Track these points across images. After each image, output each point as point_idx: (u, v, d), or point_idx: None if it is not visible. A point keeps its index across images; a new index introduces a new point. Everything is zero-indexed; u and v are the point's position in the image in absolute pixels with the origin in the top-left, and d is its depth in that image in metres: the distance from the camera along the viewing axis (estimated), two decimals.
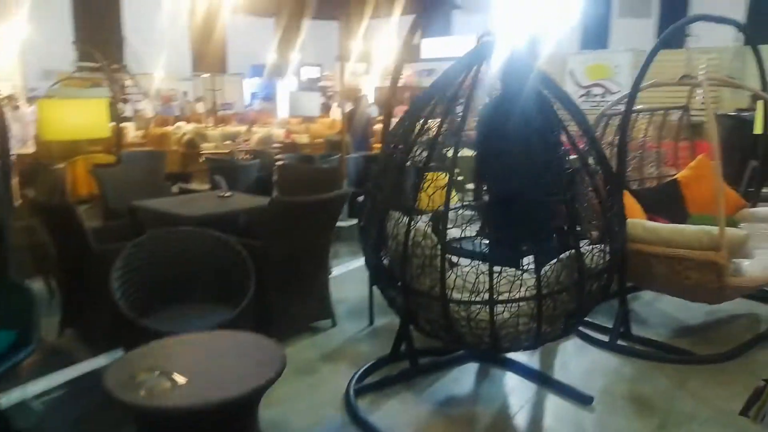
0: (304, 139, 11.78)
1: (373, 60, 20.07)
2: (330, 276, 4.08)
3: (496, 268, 2.41)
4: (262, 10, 7.93)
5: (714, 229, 3.19)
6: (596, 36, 18.82)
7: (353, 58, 18.68)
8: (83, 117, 3.86)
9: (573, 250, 2.20)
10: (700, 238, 3.19)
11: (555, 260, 2.25)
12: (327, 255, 3.75)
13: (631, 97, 3.32)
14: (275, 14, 8.74)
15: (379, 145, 11.98)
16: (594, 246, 2.29)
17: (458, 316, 2.28)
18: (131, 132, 12.03)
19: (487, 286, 2.22)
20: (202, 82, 19.05)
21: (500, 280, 2.61)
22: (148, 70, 20.24)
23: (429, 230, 2.43)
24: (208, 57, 21.39)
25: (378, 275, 2.76)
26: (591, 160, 2.52)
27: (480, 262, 3.43)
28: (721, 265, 3.10)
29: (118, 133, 6.18)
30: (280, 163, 5.67)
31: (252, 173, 5.46)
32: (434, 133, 2.56)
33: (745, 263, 3.33)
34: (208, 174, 5.48)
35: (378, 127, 13.52)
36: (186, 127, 13.01)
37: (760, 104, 4.36)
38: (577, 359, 3.38)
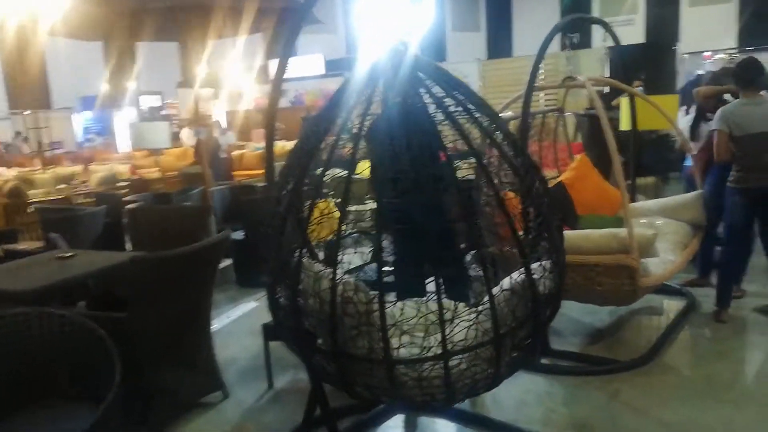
0: (154, 174, 10.67)
1: (221, 84, 19.11)
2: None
3: (430, 305, 2.03)
4: (88, 34, 6.92)
5: (621, 232, 3.11)
6: (435, 49, 19.68)
7: (198, 83, 17.58)
8: None
9: (524, 276, 1.88)
10: (610, 243, 3.09)
11: (506, 289, 1.92)
12: (209, 315, 3.12)
13: (527, 102, 3.16)
14: (104, 37, 7.71)
15: (242, 174, 11.26)
16: (544, 266, 1.99)
17: (407, 377, 1.86)
18: None
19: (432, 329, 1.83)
20: (23, 120, 16.80)
21: (427, 319, 2.25)
22: None
23: (361, 282, 1.98)
24: (26, 91, 18.92)
25: (296, 340, 2.25)
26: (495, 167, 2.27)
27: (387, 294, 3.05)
28: (633, 268, 3.01)
29: None
30: (131, 206, 4.84)
31: (98, 222, 4.59)
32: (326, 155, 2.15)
33: (650, 262, 3.30)
34: (41, 228, 4.50)
35: (237, 153, 12.76)
36: (7, 174, 11.20)
37: (625, 102, 4.50)
38: (505, 389, 3.09)
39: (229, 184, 6.74)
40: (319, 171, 2.25)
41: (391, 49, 2.20)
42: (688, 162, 4.75)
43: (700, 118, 4.55)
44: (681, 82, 11.57)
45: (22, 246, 4.58)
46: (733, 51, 17.84)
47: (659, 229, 3.69)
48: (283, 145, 14.16)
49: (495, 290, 1.92)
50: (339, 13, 25.92)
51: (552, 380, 3.10)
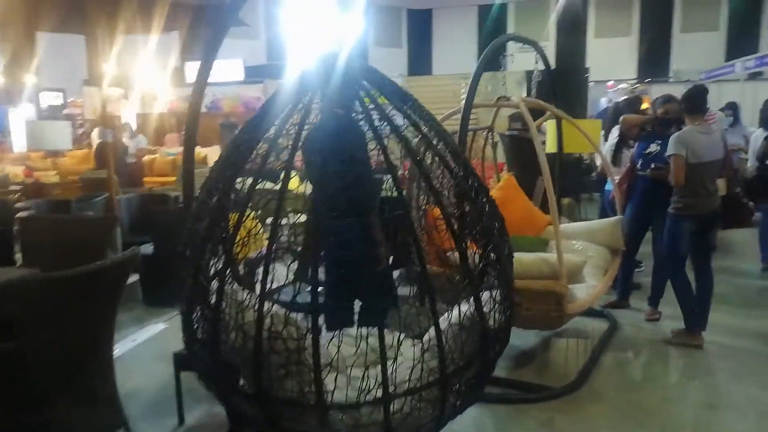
0: (52, 178, 9.79)
1: (132, 84, 18.02)
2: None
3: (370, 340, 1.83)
4: None
5: (551, 257, 3.07)
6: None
7: (106, 82, 16.44)
8: None
9: (473, 308, 1.73)
10: (540, 267, 3.04)
11: (454, 324, 1.76)
12: (111, 341, 2.75)
13: (465, 118, 3.07)
14: None
15: (154, 180, 10.56)
16: (494, 298, 1.86)
17: (342, 424, 1.65)
18: None
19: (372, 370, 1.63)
20: None
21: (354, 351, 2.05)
22: None
23: (292, 315, 1.75)
24: None
25: (214, 378, 1.96)
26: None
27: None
28: (562, 294, 2.98)
29: None
30: (22, 214, 4.30)
31: None
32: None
33: (576, 287, 3.29)
34: None
35: (148, 158, 11.99)
36: None
37: (551, 125, 4.55)
38: None
39: (139, 191, 6.23)
40: (247, 185, 2.02)
41: (329, 54, 2.01)
42: (609, 187, 4.88)
43: (622, 144, 4.69)
44: (590, 109, 12.18)
45: None
46: (633, 81, 19.18)
47: (581, 253, 3.72)
48: (198, 152, 13.52)
49: (441, 322, 1.75)
50: (261, 19, 25.41)
51: (485, 410, 2.99)
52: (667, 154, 3.56)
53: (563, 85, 12.34)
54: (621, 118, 4.55)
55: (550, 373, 3.38)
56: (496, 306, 1.84)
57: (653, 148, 4.00)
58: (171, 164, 11.83)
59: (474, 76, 3.18)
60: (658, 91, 14.91)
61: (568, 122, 4.32)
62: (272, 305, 1.72)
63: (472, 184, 1.94)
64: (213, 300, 1.83)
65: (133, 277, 4.81)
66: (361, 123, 1.92)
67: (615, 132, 5.05)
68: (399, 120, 1.99)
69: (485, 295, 1.85)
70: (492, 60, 3.29)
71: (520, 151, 5.51)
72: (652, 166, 3.92)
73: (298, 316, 1.90)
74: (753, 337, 3.86)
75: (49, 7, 5.41)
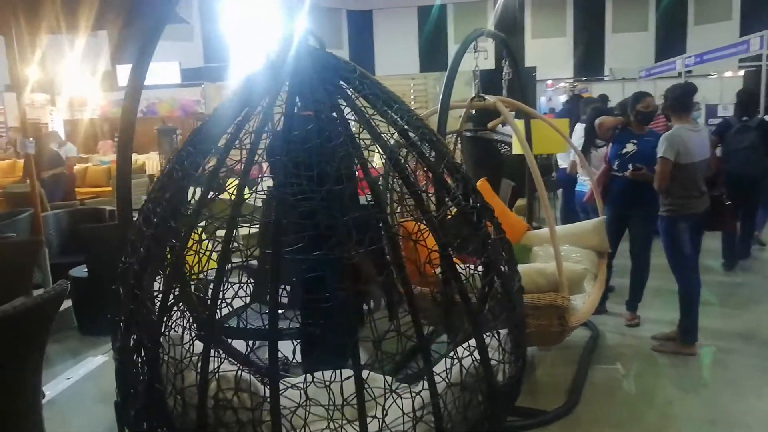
0: None
1: (58, 89, 16.89)
2: (43, 402, 2.62)
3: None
4: None
5: (548, 268, 2.83)
6: None
7: (30, 86, 15.31)
8: None
9: (478, 361, 1.42)
10: (536, 280, 2.79)
11: (454, 384, 1.43)
12: (38, 388, 2.30)
13: (442, 122, 2.77)
14: None
15: (87, 191, 9.79)
16: (502, 345, 1.56)
17: None
18: None
19: None
20: None
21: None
22: None
23: (250, 376, 1.39)
24: None
25: None
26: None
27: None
28: (564, 308, 2.74)
29: None
30: None
31: None
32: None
33: (576, 299, 3.05)
34: None
35: (80, 167, 11.16)
36: None
37: (520, 124, 4.34)
38: None
39: (69, 207, 5.63)
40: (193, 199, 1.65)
41: (294, 44, 1.67)
42: (581, 187, 4.72)
43: (590, 144, 4.54)
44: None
45: None
46: (571, 80, 19.64)
47: (566, 257, 3.50)
48: (135, 159, 12.74)
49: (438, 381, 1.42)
50: (196, 19, 24.50)
51: None
52: (659, 155, 3.39)
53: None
54: (597, 121, 4.39)
55: (539, 393, 3.14)
56: (506, 356, 1.54)
57: (630, 147, 3.85)
58: (105, 173, 11.07)
59: (448, 76, 2.90)
60: (597, 89, 15.24)
61: (539, 122, 4.12)
62: (219, 364, 1.35)
63: (475, 204, 1.64)
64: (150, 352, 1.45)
65: (66, 304, 4.28)
66: (336, 129, 1.59)
67: (579, 132, 4.90)
68: (382, 127, 1.68)
69: (490, 341, 1.55)
70: (460, 57, 3.02)
71: (480, 153, 5.28)
72: (630, 167, 3.75)
73: (251, 378, 1.55)
74: (739, 339, 3.76)
75: None
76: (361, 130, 1.61)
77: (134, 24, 6.73)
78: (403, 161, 1.67)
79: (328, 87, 1.62)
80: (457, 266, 1.73)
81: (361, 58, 26.75)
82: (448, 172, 1.76)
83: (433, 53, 28.68)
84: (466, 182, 1.73)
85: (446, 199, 1.72)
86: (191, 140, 1.73)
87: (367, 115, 1.62)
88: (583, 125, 4.77)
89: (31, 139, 4.35)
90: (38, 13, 5.17)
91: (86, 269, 4.25)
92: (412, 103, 11.93)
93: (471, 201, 1.71)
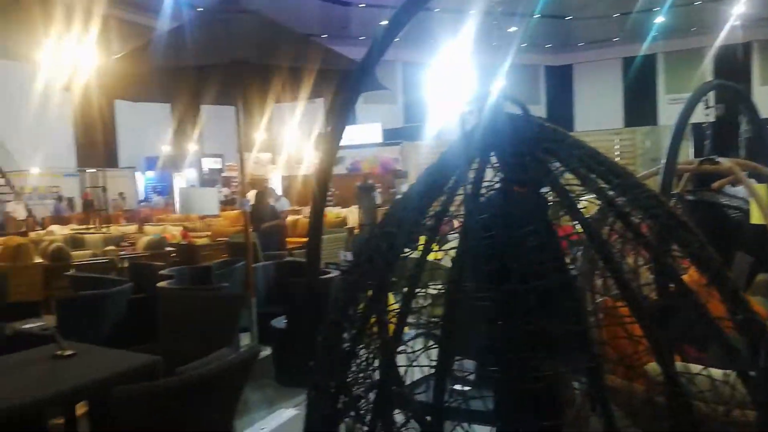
0: (203, 239, 10.29)
1: (278, 149, 19.20)
2: None
3: None
4: (152, 96, 6.73)
5: None
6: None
7: (257, 147, 17.65)
8: None
9: None
10: None
11: None
12: None
13: (667, 183, 2.39)
14: (168, 99, 7.55)
15: (296, 241, 10.76)
16: None
17: None
18: None
19: None
20: (90, 178, 17.16)
21: None
22: (22, 167, 18.11)
23: None
24: (95, 149, 19.56)
25: None
26: None
27: None
28: None
29: None
30: (161, 284, 4.25)
31: (122, 301, 4.01)
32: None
33: None
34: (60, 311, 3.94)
35: (291, 219, 12.34)
36: (60, 232, 11.12)
37: (763, 189, 3.64)
38: None
39: (278, 258, 6.12)
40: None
41: (494, 112, 1.51)
42: None
43: None
44: None
45: (40, 323, 4.01)
46: None
47: None
48: (338, 213, 13.72)
49: None
50: (399, 83, 26.25)
51: None
52: None
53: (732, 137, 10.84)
54: None
55: None
56: None
57: None
58: None
59: (676, 131, 2.51)
60: None
61: None
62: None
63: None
64: None
65: (266, 351, 4.56)
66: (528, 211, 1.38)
67: None
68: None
69: None
70: (690, 110, 2.61)
71: (705, 220, 4.55)
72: None
73: None
74: None
75: (211, 82, 5.69)
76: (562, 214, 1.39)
77: (344, 92, 7.31)
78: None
79: (526, 160, 1.43)
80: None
81: (559, 114, 26.05)
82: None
83: (639, 106, 26.79)
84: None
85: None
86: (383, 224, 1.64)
87: (572, 195, 1.38)
88: None
89: (248, 197, 4.84)
90: (267, 87, 5.86)
91: (285, 321, 4.51)
92: (618, 159, 11.09)
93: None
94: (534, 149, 1.40)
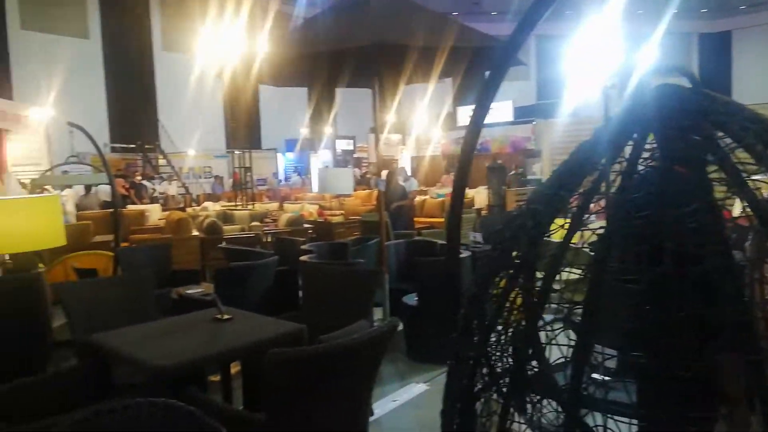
0: (338, 218, 10.78)
1: (408, 129, 19.42)
2: (371, 420, 2.85)
3: None
4: (292, 81, 7.20)
5: None
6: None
7: (387, 128, 18.01)
8: (25, 220, 2.82)
9: None
10: None
11: None
12: (366, 416, 2.51)
13: None
14: (307, 84, 7.99)
15: (423, 221, 10.91)
16: None
17: None
18: (155, 215, 11.28)
19: None
20: (239, 159, 18.58)
21: None
22: (181, 149, 20.09)
23: None
24: (242, 132, 21.15)
25: None
26: None
27: None
28: None
29: (116, 224, 5.22)
30: (303, 258, 4.53)
31: (269, 272, 4.34)
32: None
33: None
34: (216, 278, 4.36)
35: (419, 199, 12.49)
36: (213, 208, 12.22)
37: None
38: None
39: (407, 238, 6.25)
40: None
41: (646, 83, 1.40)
42: None
43: None
44: None
45: (203, 287, 4.46)
46: None
47: None
48: (466, 194, 13.62)
49: None
50: (532, 58, 25.26)
51: None
52: None
53: None
54: None
55: None
56: None
57: None
58: (439, 206, 12.08)
59: None
60: None
61: None
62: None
63: None
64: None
65: (397, 322, 4.69)
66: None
67: None
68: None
69: None
70: None
71: None
72: None
73: None
74: None
75: (346, 66, 5.93)
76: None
77: (476, 71, 7.23)
78: None
79: (689, 136, 1.32)
80: None
81: (714, 85, 23.45)
82: None
83: None
84: None
85: None
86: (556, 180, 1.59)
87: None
88: None
89: (383, 177, 4.97)
90: (400, 69, 5.96)
91: (416, 298, 4.60)
92: None
93: None
94: (700, 123, 1.29)
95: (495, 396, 1.33)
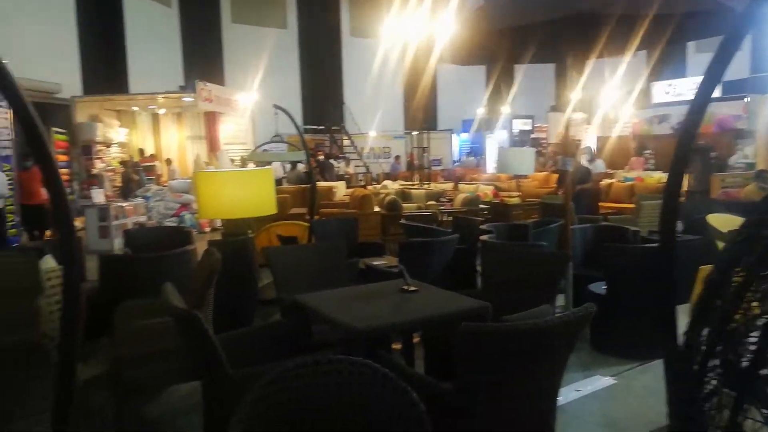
0: (514, 199, 10.52)
1: (594, 108, 18.15)
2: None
3: None
4: (471, 59, 7.07)
5: None
6: None
7: (570, 107, 16.98)
8: (244, 190, 3.18)
9: None
10: None
11: None
12: (554, 397, 2.42)
13: None
14: (486, 61, 7.84)
15: (609, 206, 10.18)
16: None
17: None
18: (341, 191, 12.05)
19: None
20: (416, 140, 19.03)
21: None
22: (363, 130, 21.17)
23: None
24: (419, 114, 21.60)
25: None
26: None
27: None
28: None
29: (312, 198, 5.66)
30: (484, 237, 4.49)
31: (449, 249, 4.38)
32: None
33: None
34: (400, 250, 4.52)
35: (605, 183, 11.67)
36: (392, 186, 12.70)
37: None
38: None
39: (593, 222, 5.87)
40: None
41: None
42: None
43: None
44: None
45: (385, 260, 4.67)
46: None
47: None
48: (659, 177, 12.41)
49: None
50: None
51: None
52: None
53: None
54: None
55: None
56: None
57: None
58: (628, 190, 11.18)
59: None
60: None
61: None
62: None
63: None
64: None
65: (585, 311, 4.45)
66: None
67: None
68: None
69: None
70: None
71: None
72: None
73: None
74: None
75: (527, 41, 5.64)
76: None
77: (677, 42, 6.48)
78: None
79: None
80: None
81: None
82: None
83: None
84: None
85: None
86: None
87: None
88: None
89: (570, 158, 4.71)
90: (588, 41, 5.54)
91: (604, 286, 4.31)
92: None
93: None
94: None
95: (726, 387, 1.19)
